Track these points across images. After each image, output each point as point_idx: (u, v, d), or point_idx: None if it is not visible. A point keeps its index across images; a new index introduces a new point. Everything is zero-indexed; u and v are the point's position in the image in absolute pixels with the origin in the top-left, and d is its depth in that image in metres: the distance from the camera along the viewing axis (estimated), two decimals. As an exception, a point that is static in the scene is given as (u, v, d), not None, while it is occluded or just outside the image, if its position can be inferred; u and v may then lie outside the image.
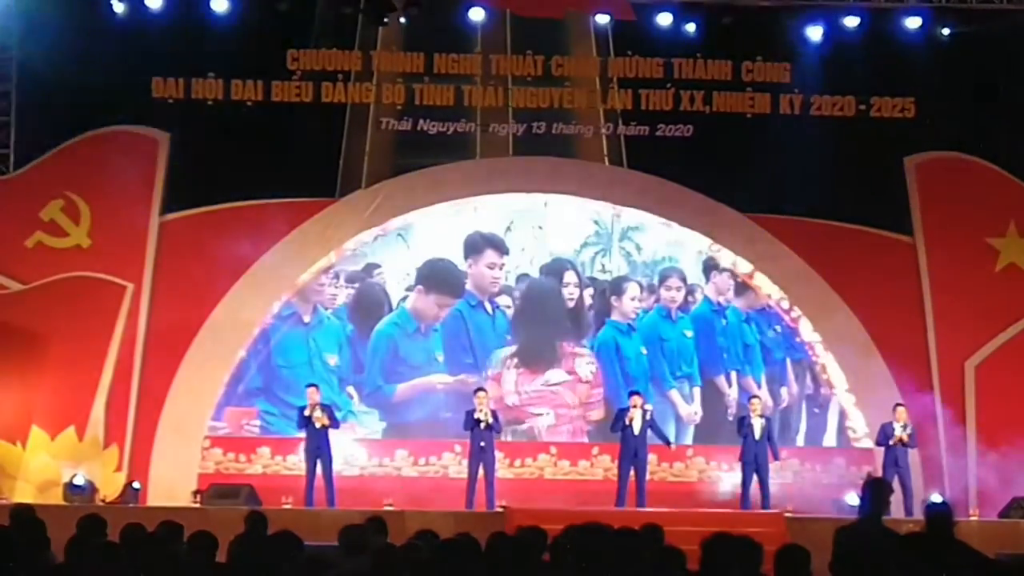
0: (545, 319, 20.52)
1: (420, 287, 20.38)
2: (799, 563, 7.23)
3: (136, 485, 18.47)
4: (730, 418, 20.11)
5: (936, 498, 17.71)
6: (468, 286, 20.51)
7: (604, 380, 20.44)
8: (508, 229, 20.68)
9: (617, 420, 18.49)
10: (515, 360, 20.38)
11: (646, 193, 20.61)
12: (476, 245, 20.56)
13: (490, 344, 20.41)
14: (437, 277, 20.42)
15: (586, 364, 20.47)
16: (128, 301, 19.57)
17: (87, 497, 17.89)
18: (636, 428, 18.16)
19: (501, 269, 20.56)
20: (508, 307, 20.54)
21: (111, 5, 19.80)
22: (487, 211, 20.69)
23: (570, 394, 20.37)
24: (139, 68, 19.79)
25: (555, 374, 20.41)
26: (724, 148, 20.13)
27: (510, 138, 20.79)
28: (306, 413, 18.05)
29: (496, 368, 20.35)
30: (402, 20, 19.21)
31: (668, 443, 18.69)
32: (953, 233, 20.46)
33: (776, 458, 18.56)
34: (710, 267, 20.79)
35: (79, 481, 18.14)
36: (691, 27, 20.60)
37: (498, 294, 20.54)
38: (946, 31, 20.60)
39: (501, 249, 20.56)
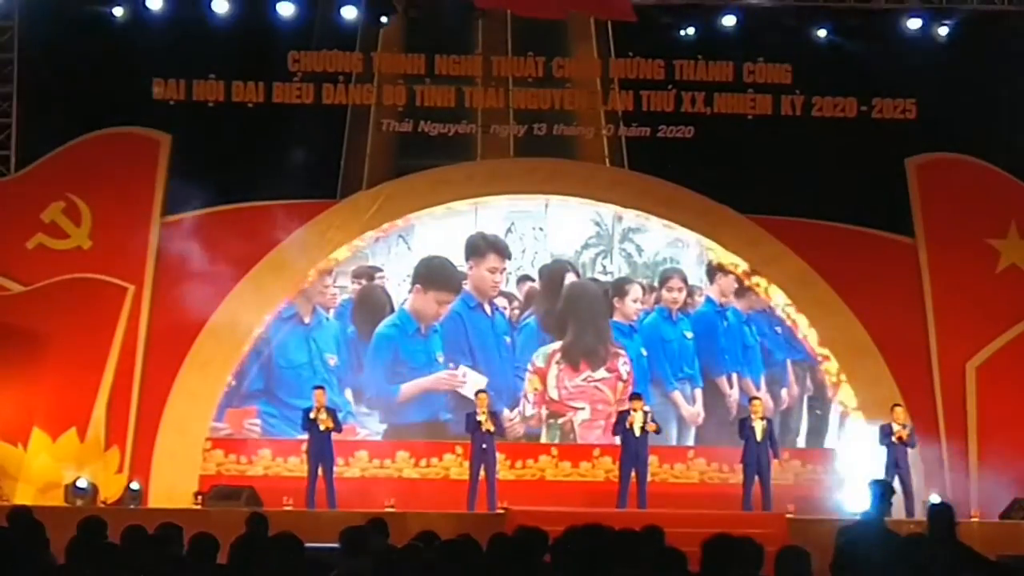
0: (589, 318, 20.54)
1: (418, 286, 20.39)
2: (800, 564, 7.23)
3: (134, 486, 18.46)
4: (731, 420, 20.07)
5: (935, 498, 17.72)
6: (467, 287, 20.51)
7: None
8: (509, 230, 20.69)
9: (618, 423, 18.49)
10: (559, 355, 20.44)
11: (647, 194, 20.61)
12: (478, 248, 20.56)
13: (489, 345, 20.41)
14: (433, 274, 20.43)
15: (623, 364, 20.54)
16: (129, 302, 19.56)
17: (89, 499, 17.88)
18: (637, 430, 18.17)
19: (502, 273, 20.57)
20: (505, 308, 20.55)
21: (112, 7, 19.80)
22: (488, 212, 20.69)
23: (609, 391, 20.40)
24: (140, 70, 19.80)
25: (598, 371, 20.47)
26: (725, 149, 20.11)
27: (511, 139, 20.79)
28: (311, 416, 18.05)
29: (541, 363, 20.41)
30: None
31: (657, 431, 18.59)
32: (954, 234, 20.46)
33: (776, 457, 18.56)
34: (714, 269, 20.78)
35: (82, 484, 18.12)
36: (692, 28, 20.62)
37: (497, 296, 20.56)
38: (947, 32, 20.61)
39: (504, 254, 20.56)
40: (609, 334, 20.58)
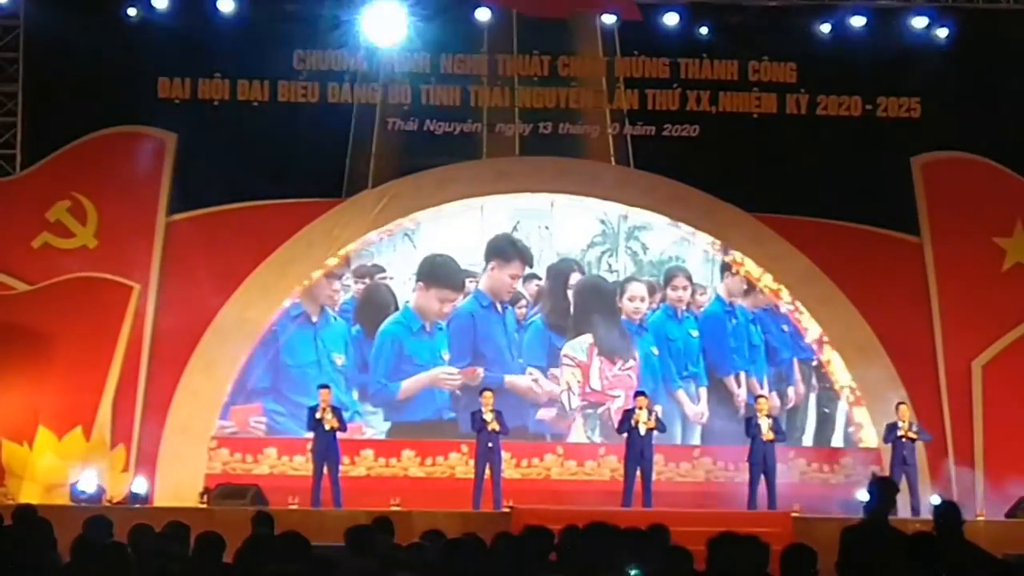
0: (609, 313, 20.63)
1: (421, 284, 20.41)
2: (805, 562, 7.23)
3: (136, 490, 18.41)
4: (738, 419, 20.04)
5: (935, 499, 17.71)
6: (481, 287, 20.51)
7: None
8: (515, 229, 20.70)
9: (623, 421, 18.47)
10: (596, 350, 20.53)
11: (652, 193, 20.61)
12: (505, 252, 20.56)
13: (501, 344, 20.42)
14: (436, 272, 20.44)
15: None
16: (135, 302, 19.57)
17: (95, 501, 17.81)
18: (642, 429, 18.15)
19: (519, 280, 20.59)
20: (514, 307, 20.55)
21: (117, 6, 19.82)
22: (494, 211, 20.69)
23: (635, 378, 20.46)
24: (145, 68, 19.82)
25: (628, 361, 20.57)
26: (730, 148, 20.11)
27: (516, 138, 20.81)
28: (317, 415, 18.05)
29: (582, 357, 20.49)
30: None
31: (663, 430, 18.61)
32: (960, 233, 20.45)
33: (782, 440, 18.56)
34: (724, 268, 20.78)
35: (90, 487, 18.03)
36: (697, 27, 20.62)
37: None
38: (952, 31, 20.59)
39: (528, 262, 20.60)
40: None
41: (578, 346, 20.58)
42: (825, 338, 20.52)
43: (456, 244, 20.57)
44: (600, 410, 20.51)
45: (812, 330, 20.60)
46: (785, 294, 20.63)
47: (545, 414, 20.44)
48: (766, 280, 20.67)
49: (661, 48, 20.60)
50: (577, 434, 20.50)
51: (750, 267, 20.68)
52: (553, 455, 20.28)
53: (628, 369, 20.55)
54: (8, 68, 20.36)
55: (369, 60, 20.41)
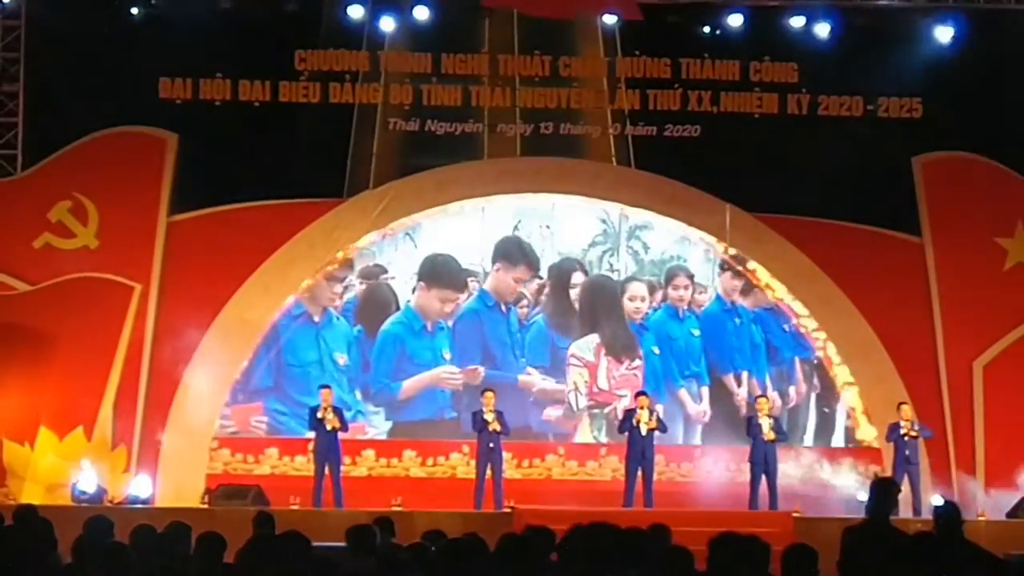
0: (617, 313, 20.67)
1: (422, 284, 20.42)
2: (806, 562, 7.23)
3: (137, 493, 18.39)
4: (740, 418, 20.04)
5: (937, 500, 17.71)
6: (486, 287, 20.52)
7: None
8: (516, 229, 20.70)
9: (624, 421, 18.47)
10: (604, 350, 20.56)
11: (653, 193, 20.61)
12: (512, 256, 20.59)
13: (505, 343, 20.42)
14: (437, 272, 20.46)
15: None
16: (136, 302, 19.58)
17: (96, 502, 17.80)
18: (643, 429, 18.14)
19: (522, 283, 20.60)
20: (517, 306, 20.56)
21: (118, 6, 19.83)
22: (495, 211, 20.69)
23: (641, 378, 20.50)
24: (147, 68, 19.82)
25: (634, 360, 20.60)
26: (731, 148, 20.11)
27: (518, 138, 20.82)
28: (319, 415, 18.05)
29: (590, 357, 20.53)
30: None
31: (664, 430, 18.62)
32: (961, 233, 20.45)
33: (783, 440, 18.57)
34: (722, 266, 20.79)
35: (91, 488, 18.03)
36: (699, 27, 20.63)
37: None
38: (954, 31, 20.59)
39: (535, 267, 20.60)
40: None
41: (585, 346, 20.59)
42: (826, 338, 20.50)
43: (457, 244, 20.57)
44: (607, 410, 20.52)
45: (813, 330, 20.58)
46: (786, 293, 20.61)
47: (551, 414, 20.44)
48: (767, 279, 20.65)
49: (662, 48, 20.60)
50: (583, 434, 20.51)
51: (762, 275, 20.63)
52: (554, 455, 20.28)
53: (634, 369, 20.57)
54: (9, 68, 20.38)
55: (370, 60, 20.44)
